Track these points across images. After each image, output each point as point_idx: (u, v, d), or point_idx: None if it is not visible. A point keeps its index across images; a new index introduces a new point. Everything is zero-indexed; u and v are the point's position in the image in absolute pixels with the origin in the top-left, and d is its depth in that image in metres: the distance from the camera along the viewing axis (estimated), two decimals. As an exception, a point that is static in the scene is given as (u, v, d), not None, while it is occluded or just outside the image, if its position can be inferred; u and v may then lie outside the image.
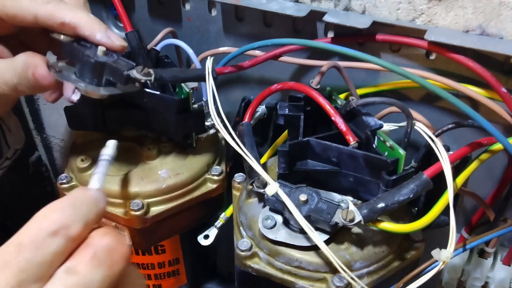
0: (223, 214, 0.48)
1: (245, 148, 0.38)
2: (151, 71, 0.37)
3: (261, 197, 0.41)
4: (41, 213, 0.27)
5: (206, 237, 0.47)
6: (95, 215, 0.28)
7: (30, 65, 0.39)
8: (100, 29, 0.39)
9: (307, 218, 0.36)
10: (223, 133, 0.39)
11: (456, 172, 0.37)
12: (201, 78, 0.42)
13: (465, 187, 0.42)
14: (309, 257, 0.37)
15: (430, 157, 0.38)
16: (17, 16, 0.39)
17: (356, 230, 0.38)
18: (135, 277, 0.29)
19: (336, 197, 0.40)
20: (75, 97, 0.43)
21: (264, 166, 0.43)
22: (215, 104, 0.41)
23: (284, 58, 0.45)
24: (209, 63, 0.42)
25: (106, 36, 0.39)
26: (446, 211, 0.35)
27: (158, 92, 0.44)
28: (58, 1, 0.39)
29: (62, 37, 0.39)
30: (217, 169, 0.49)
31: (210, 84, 0.41)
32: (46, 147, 0.79)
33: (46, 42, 0.43)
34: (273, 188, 0.35)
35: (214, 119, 0.40)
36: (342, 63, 0.43)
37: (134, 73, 0.37)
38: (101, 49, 0.38)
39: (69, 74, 0.39)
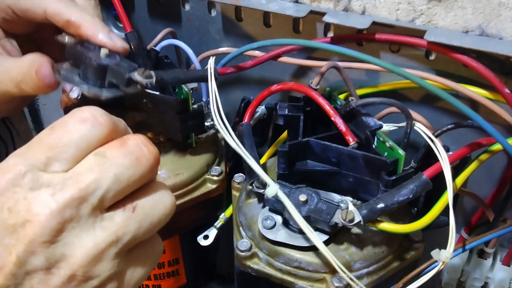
0: (222, 214, 0.48)
1: (244, 149, 0.38)
2: (152, 73, 0.37)
3: (261, 198, 0.41)
4: (73, 110, 0.28)
5: (206, 237, 0.47)
6: (123, 123, 0.30)
7: (35, 63, 0.39)
8: (103, 30, 0.40)
9: (307, 218, 0.36)
10: (223, 133, 0.39)
11: (455, 172, 0.37)
12: (202, 79, 0.42)
13: (464, 188, 0.42)
14: (309, 258, 0.37)
15: (429, 158, 0.38)
16: (29, 10, 0.40)
17: (355, 230, 0.38)
18: (161, 195, 0.29)
19: (336, 197, 0.40)
20: (74, 93, 0.44)
21: (263, 166, 0.43)
22: (217, 105, 0.41)
23: (283, 59, 0.45)
24: (211, 62, 0.42)
25: (108, 37, 0.40)
26: (445, 211, 0.35)
27: (158, 93, 0.44)
28: (68, 1, 0.41)
29: (66, 39, 0.40)
30: (216, 169, 0.49)
31: (212, 84, 0.41)
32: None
33: (58, 49, 0.44)
34: (273, 189, 0.35)
35: (215, 119, 0.40)
36: (342, 64, 0.43)
37: (136, 75, 0.37)
38: (103, 51, 0.38)
39: (73, 76, 0.39)
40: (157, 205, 0.29)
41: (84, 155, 0.27)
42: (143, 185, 0.29)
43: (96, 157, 0.27)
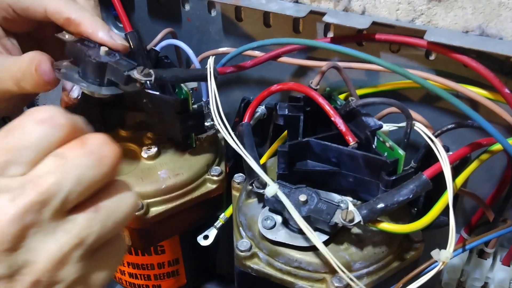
0: (222, 214, 0.48)
1: (244, 149, 0.38)
2: (151, 71, 0.37)
3: (261, 198, 0.41)
4: (29, 110, 0.27)
5: (206, 237, 0.47)
6: (83, 122, 0.29)
7: (35, 60, 0.39)
8: (103, 28, 0.40)
9: (307, 218, 0.36)
10: (223, 133, 0.39)
11: (455, 172, 0.37)
12: (202, 78, 0.42)
13: (464, 188, 0.42)
14: (309, 258, 0.37)
15: (429, 158, 0.38)
16: (29, 9, 0.41)
17: (355, 230, 0.38)
18: (123, 194, 0.29)
19: (336, 197, 0.40)
20: (74, 93, 0.44)
21: (263, 166, 0.43)
22: (217, 105, 0.41)
23: (283, 59, 0.45)
24: (211, 62, 0.42)
25: (108, 35, 0.40)
26: (445, 211, 0.35)
27: (158, 93, 0.44)
28: (69, 0, 0.41)
29: (66, 36, 0.40)
30: (216, 169, 0.49)
31: (212, 84, 0.41)
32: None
33: (59, 48, 0.44)
34: (272, 189, 0.35)
35: (215, 119, 0.40)
36: (342, 64, 0.43)
37: (135, 74, 0.37)
38: (103, 49, 0.38)
39: (72, 74, 0.39)
40: (120, 205, 0.28)
41: (43, 157, 0.26)
42: (106, 185, 0.28)
43: (55, 158, 0.26)
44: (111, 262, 0.29)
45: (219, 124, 0.40)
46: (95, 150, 0.27)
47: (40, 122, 0.26)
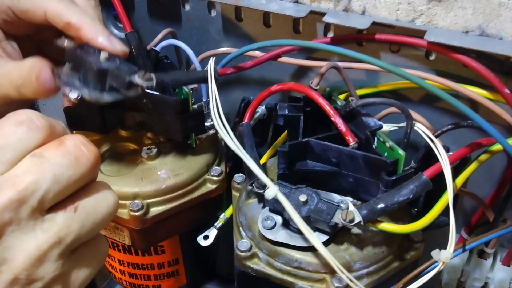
0: (222, 214, 0.48)
1: (244, 149, 0.38)
2: (152, 75, 0.37)
3: (261, 198, 0.41)
4: (9, 114, 0.28)
5: (206, 237, 0.47)
6: (61, 125, 0.29)
7: (35, 68, 0.39)
8: (103, 33, 0.40)
9: (307, 218, 0.36)
10: (223, 135, 0.39)
11: (455, 172, 0.37)
12: (203, 80, 0.42)
13: (464, 188, 0.42)
14: (309, 258, 0.37)
15: (429, 158, 0.38)
16: (29, 12, 0.40)
17: (355, 230, 0.38)
18: (103, 194, 0.29)
19: (336, 197, 0.40)
20: (73, 94, 0.44)
21: (263, 166, 0.43)
22: (217, 106, 0.41)
23: (283, 59, 0.45)
24: (211, 63, 0.42)
25: (108, 40, 0.40)
26: (445, 211, 0.35)
27: (158, 93, 0.44)
28: (69, 2, 0.41)
29: (66, 43, 0.40)
30: (216, 169, 0.49)
31: (212, 85, 0.41)
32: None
33: (59, 50, 0.44)
34: (272, 191, 0.35)
35: (215, 120, 0.40)
36: (342, 64, 0.43)
37: (136, 79, 0.37)
38: (103, 54, 0.38)
39: (73, 81, 0.39)
40: (99, 205, 0.29)
41: (22, 158, 0.27)
42: (85, 185, 0.29)
43: (33, 158, 0.26)
44: (92, 262, 0.30)
45: (219, 126, 0.40)
46: (72, 150, 0.27)
47: (19, 124, 0.27)
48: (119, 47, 0.40)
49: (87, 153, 0.28)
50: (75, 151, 0.27)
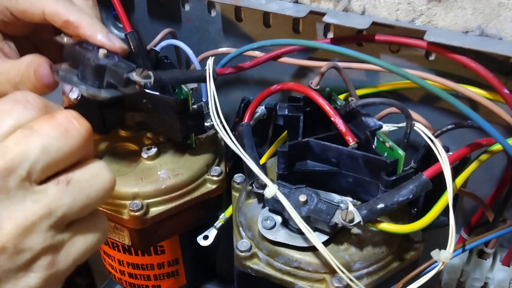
0: (222, 214, 0.48)
1: (244, 149, 0.38)
2: (150, 73, 0.37)
3: (261, 198, 0.41)
4: (8, 94, 0.28)
5: (206, 237, 0.47)
6: (59, 107, 0.30)
7: (33, 64, 0.39)
8: (102, 30, 0.40)
9: (307, 218, 0.36)
10: (222, 135, 0.39)
11: (455, 172, 0.37)
12: (201, 79, 0.42)
13: (464, 188, 0.42)
14: (309, 258, 0.37)
15: (429, 158, 0.38)
16: (27, 11, 0.40)
17: (355, 230, 0.38)
18: (98, 170, 0.29)
19: (336, 197, 0.40)
20: (74, 94, 0.44)
21: (263, 166, 0.43)
22: (215, 106, 0.41)
23: (283, 59, 0.45)
24: (210, 63, 0.42)
25: (107, 37, 0.40)
26: (445, 211, 0.35)
27: (157, 93, 0.44)
28: (67, 2, 0.41)
29: (65, 39, 0.40)
30: (216, 169, 0.49)
31: (211, 85, 0.41)
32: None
33: (57, 51, 0.44)
34: (271, 190, 0.35)
35: (214, 121, 0.40)
36: (342, 64, 0.43)
37: (134, 76, 0.37)
38: (102, 51, 0.38)
39: (71, 77, 0.39)
40: (94, 179, 0.29)
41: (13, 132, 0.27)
42: (80, 161, 0.29)
43: (23, 130, 0.27)
44: (88, 238, 0.29)
45: (218, 126, 0.40)
46: (62, 122, 0.28)
47: (15, 102, 0.28)
48: (118, 45, 0.40)
49: (78, 126, 0.28)
50: (65, 123, 0.28)
